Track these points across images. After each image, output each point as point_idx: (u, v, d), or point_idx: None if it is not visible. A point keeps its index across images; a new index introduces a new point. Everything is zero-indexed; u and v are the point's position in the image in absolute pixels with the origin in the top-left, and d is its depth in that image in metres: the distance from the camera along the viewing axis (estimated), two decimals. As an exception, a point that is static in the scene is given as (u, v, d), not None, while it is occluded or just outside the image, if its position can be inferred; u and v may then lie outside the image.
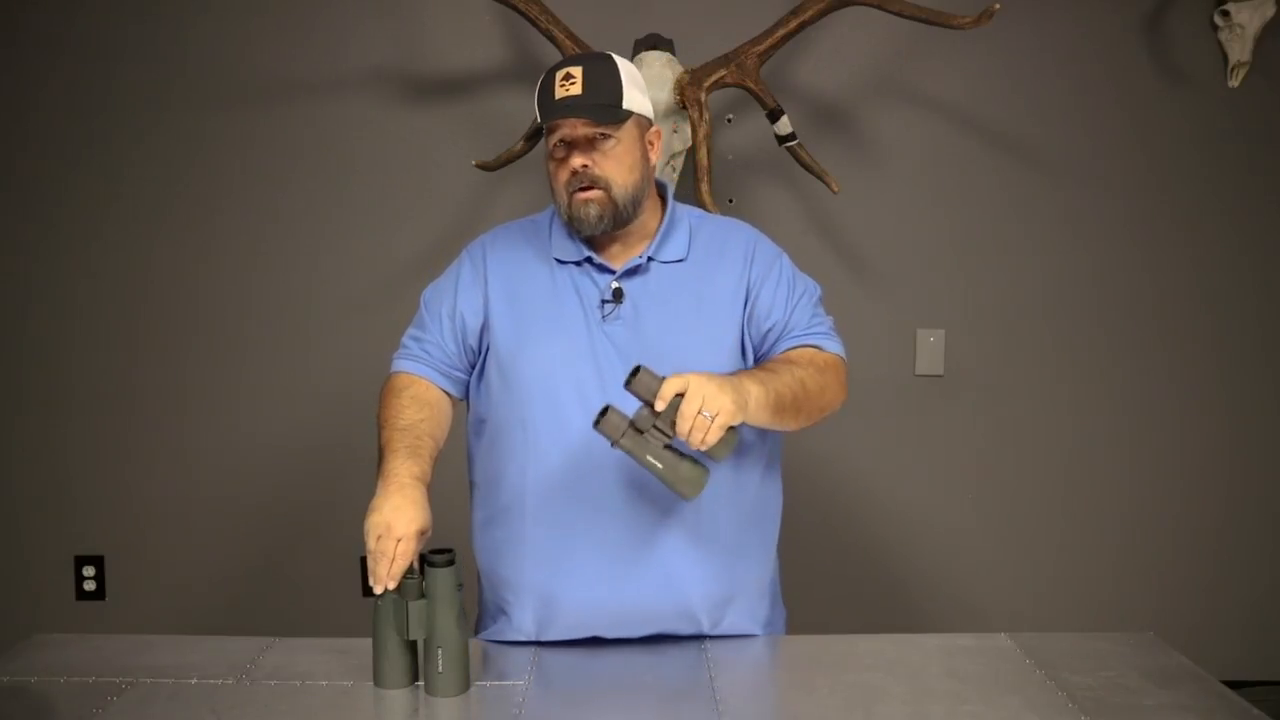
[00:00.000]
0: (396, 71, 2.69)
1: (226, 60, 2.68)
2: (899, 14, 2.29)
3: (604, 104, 1.46)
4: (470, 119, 2.69)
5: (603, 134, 1.47)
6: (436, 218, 2.70)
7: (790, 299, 1.57)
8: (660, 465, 1.35)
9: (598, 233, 1.51)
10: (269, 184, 2.73)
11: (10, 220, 2.74)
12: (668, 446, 1.35)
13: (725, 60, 2.36)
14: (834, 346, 1.58)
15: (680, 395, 1.32)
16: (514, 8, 2.32)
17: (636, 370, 1.34)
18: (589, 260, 1.54)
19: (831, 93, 2.71)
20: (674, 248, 1.56)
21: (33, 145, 2.71)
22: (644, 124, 1.53)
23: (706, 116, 2.32)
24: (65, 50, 2.68)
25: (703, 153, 2.32)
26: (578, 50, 2.32)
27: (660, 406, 1.32)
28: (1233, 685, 1.43)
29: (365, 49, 2.68)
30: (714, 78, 2.34)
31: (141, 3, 2.67)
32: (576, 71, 1.47)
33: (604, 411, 1.34)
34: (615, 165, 1.48)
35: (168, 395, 2.77)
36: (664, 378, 1.33)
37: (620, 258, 1.55)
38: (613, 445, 1.34)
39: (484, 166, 2.44)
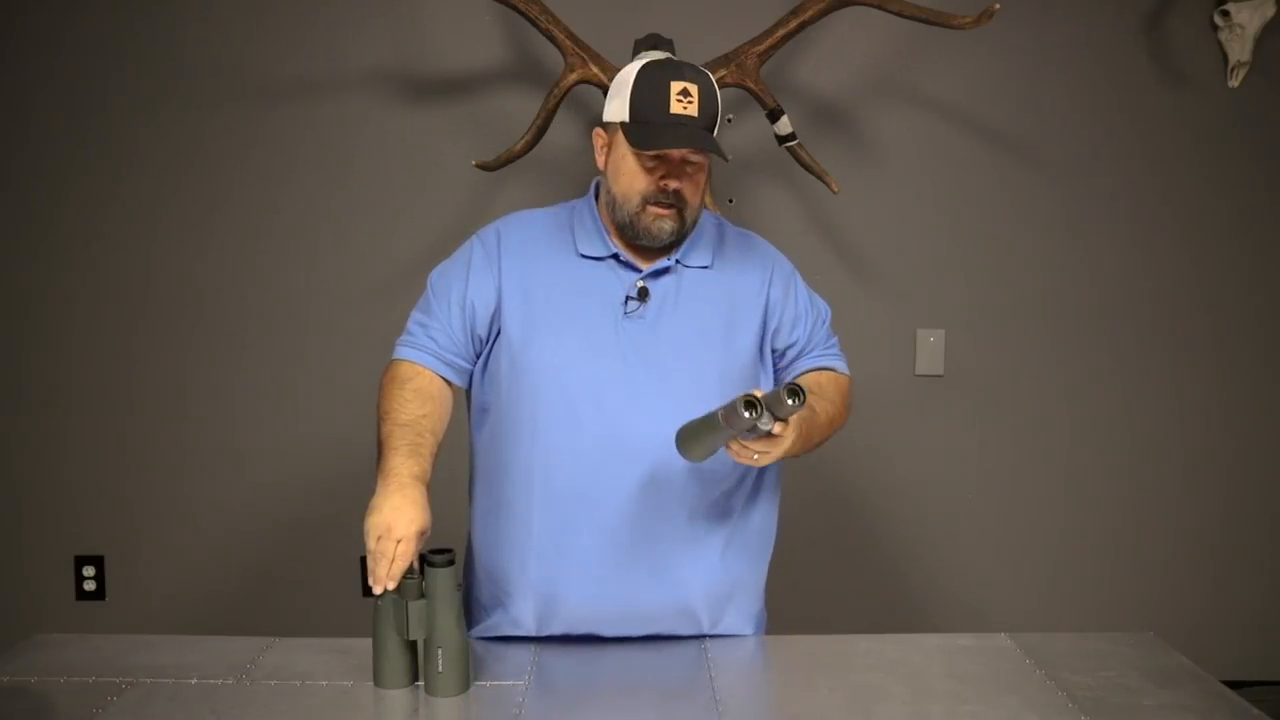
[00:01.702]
0: (396, 71, 2.69)
1: (226, 60, 2.68)
2: (899, 14, 2.29)
3: (711, 130, 1.47)
4: (470, 119, 2.69)
5: (696, 161, 1.48)
6: (436, 218, 2.70)
7: (808, 319, 1.63)
8: (716, 445, 1.34)
9: (659, 247, 1.52)
10: (269, 184, 2.73)
11: (10, 220, 2.74)
12: (734, 437, 1.33)
13: (725, 60, 2.36)
14: (845, 367, 1.67)
15: (767, 415, 1.30)
16: (514, 8, 2.32)
17: (801, 393, 1.30)
18: (615, 257, 1.54)
19: (831, 93, 2.71)
20: (700, 254, 1.57)
21: (32, 145, 2.71)
22: None
23: (706, 116, 2.32)
24: (65, 50, 2.68)
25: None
26: (578, 50, 2.32)
27: (778, 430, 1.32)
28: (1233, 685, 1.44)
29: (365, 49, 2.68)
30: (714, 78, 2.34)
31: (141, 3, 2.67)
32: (694, 90, 1.45)
33: (758, 407, 1.28)
34: (694, 189, 1.51)
35: (168, 395, 2.77)
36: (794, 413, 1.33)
37: (647, 259, 1.55)
38: (723, 419, 1.29)
39: (484, 166, 2.44)
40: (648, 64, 1.50)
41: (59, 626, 2.60)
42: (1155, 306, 2.79)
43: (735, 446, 1.35)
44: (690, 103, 1.44)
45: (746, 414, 1.27)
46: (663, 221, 1.48)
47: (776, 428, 1.32)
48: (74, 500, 2.80)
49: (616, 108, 1.49)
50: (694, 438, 1.35)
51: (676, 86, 1.45)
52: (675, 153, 1.46)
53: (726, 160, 1.48)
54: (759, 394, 1.29)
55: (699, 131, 1.45)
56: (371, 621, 1.36)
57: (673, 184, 1.47)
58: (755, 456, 1.36)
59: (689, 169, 1.48)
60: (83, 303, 2.76)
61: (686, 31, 2.47)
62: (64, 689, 1.38)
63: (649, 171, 1.48)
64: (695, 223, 1.55)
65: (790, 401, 1.29)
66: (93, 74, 2.69)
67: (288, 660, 1.48)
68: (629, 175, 1.49)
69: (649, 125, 1.45)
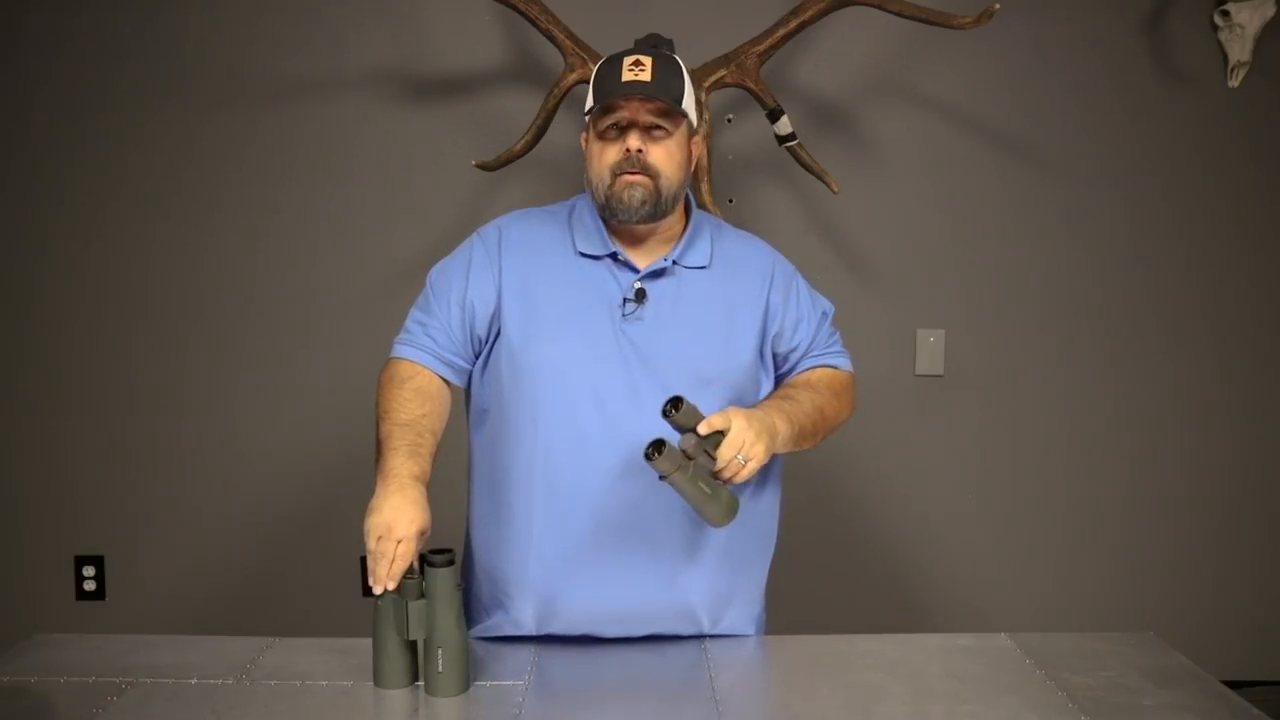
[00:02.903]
0: (396, 71, 2.69)
1: (226, 60, 2.68)
2: (899, 14, 2.29)
3: (670, 96, 1.48)
4: (470, 119, 2.69)
5: (660, 125, 1.48)
6: (436, 218, 2.70)
7: (810, 320, 1.63)
8: (709, 491, 1.36)
9: (635, 220, 1.50)
10: (269, 184, 2.73)
11: (10, 220, 2.74)
12: (713, 474, 1.37)
13: (725, 60, 2.36)
14: (847, 365, 1.68)
15: (719, 432, 1.35)
16: (514, 8, 2.32)
17: (679, 401, 1.34)
18: (613, 256, 1.53)
19: (831, 93, 2.71)
20: (697, 254, 1.57)
21: (32, 144, 2.71)
22: (690, 129, 1.55)
23: (706, 116, 2.33)
24: (65, 50, 2.68)
25: (703, 152, 2.32)
26: (578, 50, 2.32)
27: (704, 430, 1.34)
28: (1233, 685, 1.43)
29: (365, 49, 2.68)
30: (714, 78, 2.34)
31: (141, 3, 2.67)
32: (647, 61, 1.48)
33: (659, 445, 1.32)
34: (666, 158, 1.49)
35: (168, 395, 2.77)
36: (700, 412, 1.36)
37: (644, 258, 1.55)
38: (662, 479, 1.33)
39: (484, 166, 2.44)
40: (608, 56, 1.53)
41: (59, 626, 2.59)
42: (1155, 306, 2.79)
43: (724, 474, 1.36)
44: (642, 70, 1.47)
45: (649, 454, 1.31)
46: (633, 189, 1.48)
47: (702, 428, 1.34)
48: (74, 500, 2.80)
49: (587, 103, 1.53)
50: (695, 509, 1.38)
51: (629, 60, 1.48)
52: (632, 115, 1.47)
53: (676, 116, 1.48)
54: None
55: (647, 87, 1.46)
56: (371, 621, 1.36)
57: (633, 143, 1.47)
58: (741, 461, 1.36)
59: (656, 134, 1.49)
60: (83, 303, 2.76)
61: (686, 31, 2.46)
62: (64, 689, 1.38)
63: (612, 143, 1.49)
64: (675, 198, 1.52)
65: (665, 407, 1.34)
66: (93, 74, 2.69)
67: (288, 660, 1.48)
68: (597, 155, 1.51)
69: (604, 99, 1.48)
